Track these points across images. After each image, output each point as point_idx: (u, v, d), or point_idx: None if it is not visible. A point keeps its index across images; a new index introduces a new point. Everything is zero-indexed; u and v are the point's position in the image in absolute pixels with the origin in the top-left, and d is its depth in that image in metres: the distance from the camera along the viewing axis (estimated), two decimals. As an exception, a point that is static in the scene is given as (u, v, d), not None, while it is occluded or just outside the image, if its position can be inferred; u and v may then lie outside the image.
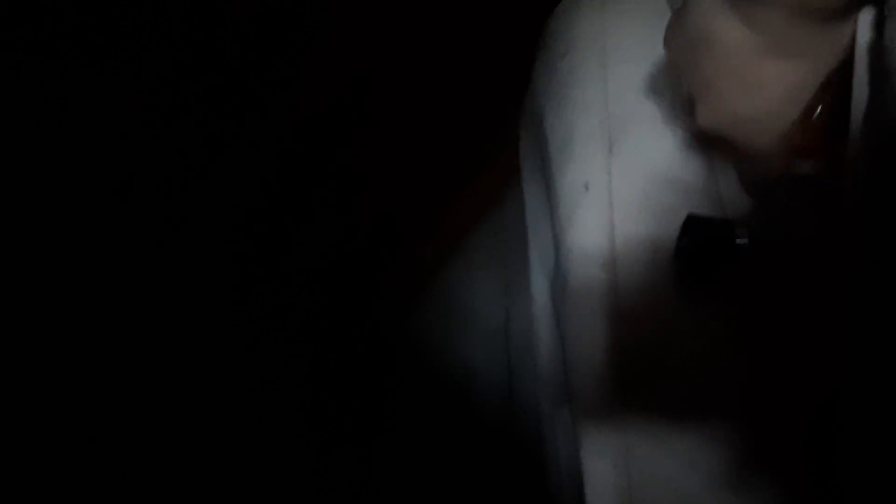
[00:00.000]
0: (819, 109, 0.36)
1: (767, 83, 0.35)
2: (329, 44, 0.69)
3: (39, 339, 0.64)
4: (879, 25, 0.32)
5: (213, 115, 0.68)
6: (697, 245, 0.40)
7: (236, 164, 0.69)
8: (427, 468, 0.61)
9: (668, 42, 0.39)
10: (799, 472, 0.38)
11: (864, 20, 0.34)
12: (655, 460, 0.40)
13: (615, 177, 0.44)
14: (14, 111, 0.64)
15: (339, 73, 0.69)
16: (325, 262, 0.70)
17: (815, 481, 0.37)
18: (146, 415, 0.64)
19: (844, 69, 0.34)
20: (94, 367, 0.64)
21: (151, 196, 0.68)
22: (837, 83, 0.35)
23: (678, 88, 0.44)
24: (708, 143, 0.42)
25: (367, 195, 0.70)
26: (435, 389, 0.63)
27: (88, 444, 0.62)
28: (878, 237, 0.32)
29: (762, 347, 0.39)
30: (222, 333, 0.67)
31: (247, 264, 0.69)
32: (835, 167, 0.35)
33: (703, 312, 0.41)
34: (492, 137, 0.60)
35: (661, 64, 0.45)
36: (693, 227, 0.40)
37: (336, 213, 0.70)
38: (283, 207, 0.70)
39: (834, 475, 0.35)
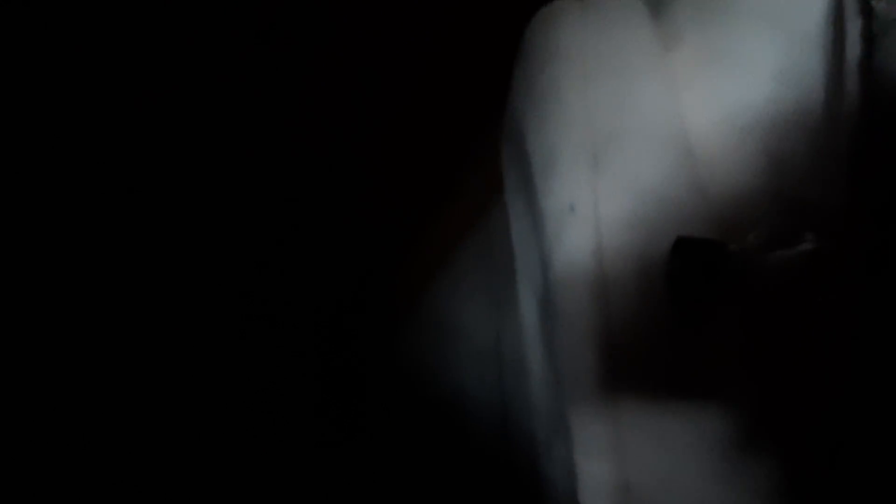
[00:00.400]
0: None
1: None
2: (322, 50, 0.68)
3: (44, 338, 0.64)
4: (868, 40, 0.32)
5: (213, 116, 0.68)
6: (689, 269, 0.39)
7: (239, 166, 0.68)
8: (417, 490, 0.61)
9: None
10: (794, 467, 0.38)
11: (853, 30, 0.33)
12: (654, 490, 0.40)
13: (602, 196, 0.43)
14: (17, 113, 0.64)
15: (331, 80, 0.68)
16: (321, 266, 0.70)
17: (812, 476, 0.37)
18: (147, 415, 0.64)
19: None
20: (99, 367, 0.64)
21: (152, 196, 0.68)
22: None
23: (664, 99, 0.44)
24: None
25: (355, 205, 0.70)
26: (426, 410, 0.62)
27: (93, 443, 0.63)
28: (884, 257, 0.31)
29: (760, 365, 0.39)
30: (225, 333, 0.67)
31: (249, 265, 0.69)
32: (830, 183, 0.35)
33: (697, 335, 0.40)
34: (475, 149, 0.59)
35: (645, 75, 0.45)
36: (684, 249, 0.39)
37: (328, 219, 0.70)
38: (280, 208, 0.69)
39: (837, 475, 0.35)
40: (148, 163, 0.67)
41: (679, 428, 0.40)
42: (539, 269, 0.46)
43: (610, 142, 0.43)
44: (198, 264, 0.68)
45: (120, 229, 0.67)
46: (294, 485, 0.66)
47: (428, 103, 0.66)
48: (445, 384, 0.61)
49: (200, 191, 0.68)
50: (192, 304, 0.67)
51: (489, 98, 0.55)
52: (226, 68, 0.67)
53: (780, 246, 0.37)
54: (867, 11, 0.31)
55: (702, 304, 0.40)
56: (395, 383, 0.65)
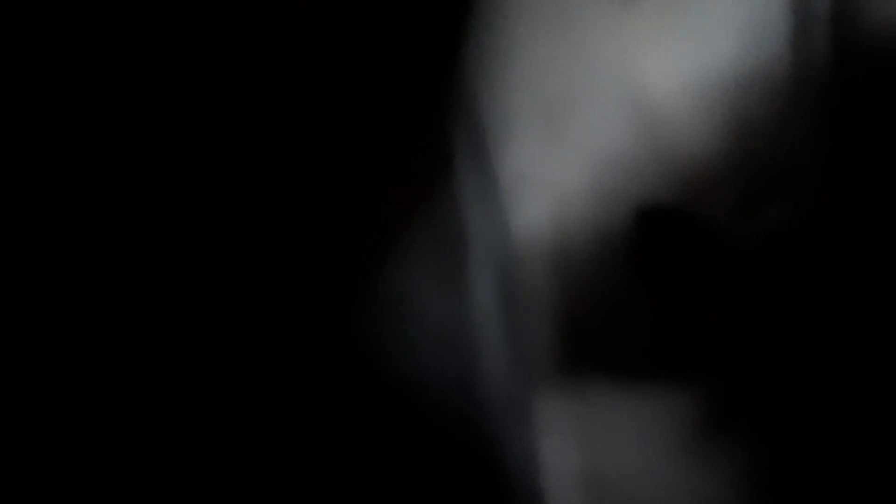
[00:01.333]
0: None
1: None
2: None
3: (44, 338, 0.63)
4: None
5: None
6: (653, 239, 0.39)
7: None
8: (376, 474, 0.60)
9: None
10: (766, 450, 0.38)
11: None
12: (620, 475, 0.40)
13: (559, 163, 0.43)
14: (19, 109, 0.63)
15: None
16: (267, 252, 0.69)
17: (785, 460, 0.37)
18: (143, 415, 0.64)
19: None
20: (102, 368, 0.64)
21: (146, 197, 0.67)
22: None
23: (623, 59, 0.43)
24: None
25: (297, 184, 0.69)
26: (378, 395, 0.62)
27: (93, 443, 0.63)
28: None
29: (732, 341, 0.39)
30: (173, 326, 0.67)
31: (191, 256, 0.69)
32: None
33: (664, 309, 0.40)
34: (422, 116, 0.58)
35: (602, 33, 0.44)
36: (648, 219, 0.39)
37: (271, 202, 0.69)
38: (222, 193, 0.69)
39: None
40: (142, 162, 0.66)
41: (647, 409, 0.40)
42: (495, 244, 0.45)
43: (566, 105, 0.43)
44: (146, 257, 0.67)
45: (118, 228, 0.67)
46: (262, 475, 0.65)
47: (369, 66, 0.65)
48: (397, 368, 0.60)
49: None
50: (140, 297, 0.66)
51: (437, 61, 0.54)
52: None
53: (749, 213, 0.37)
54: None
55: (668, 274, 0.40)
56: (346, 368, 0.65)
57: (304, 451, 0.66)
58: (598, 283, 0.41)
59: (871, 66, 0.29)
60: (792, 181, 0.34)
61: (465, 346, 0.56)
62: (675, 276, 0.40)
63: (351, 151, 0.67)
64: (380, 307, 0.63)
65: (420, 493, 0.58)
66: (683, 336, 0.40)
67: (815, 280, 0.32)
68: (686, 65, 0.42)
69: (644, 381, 0.40)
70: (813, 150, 0.33)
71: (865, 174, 0.30)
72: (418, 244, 0.61)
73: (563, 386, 0.41)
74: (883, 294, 0.30)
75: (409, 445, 0.59)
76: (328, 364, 0.66)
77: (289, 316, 0.68)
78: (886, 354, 0.30)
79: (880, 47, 0.29)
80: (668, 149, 0.42)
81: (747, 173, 0.38)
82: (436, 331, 0.59)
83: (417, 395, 0.59)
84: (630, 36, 0.44)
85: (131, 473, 0.63)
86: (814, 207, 0.32)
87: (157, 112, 0.68)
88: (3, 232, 0.62)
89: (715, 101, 0.40)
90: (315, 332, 0.68)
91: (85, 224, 0.66)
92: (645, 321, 0.40)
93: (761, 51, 0.38)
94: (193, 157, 0.69)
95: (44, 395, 0.63)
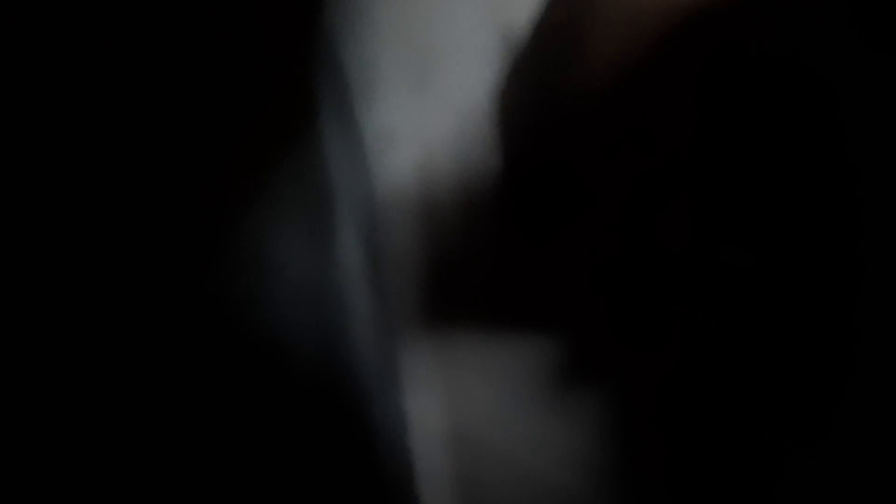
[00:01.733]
0: None
1: None
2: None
3: (44, 339, 0.60)
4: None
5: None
6: (519, 194, 0.39)
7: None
8: (238, 435, 0.59)
9: None
10: (627, 399, 0.38)
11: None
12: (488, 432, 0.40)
13: (427, 117, 0.42)
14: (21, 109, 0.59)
15: None
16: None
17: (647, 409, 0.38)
18: (142, 416, 0.61)
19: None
20: (102, 368, 0.61)
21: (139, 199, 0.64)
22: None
23: (486, 12, 0.43)
24: None
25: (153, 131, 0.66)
26: (239, 356, 0.61)
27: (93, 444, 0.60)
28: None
29: (594, 292, 0.39)
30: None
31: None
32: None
33: (528, 261, 0.40)
34: (284, 75, 0.57)
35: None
36: (513, 172, 0.39)
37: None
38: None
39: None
40: (135, 166, 0.64)
41: (512, 363, 0.40)
42: (360, 198, 0.45)
43: (432, 56, 0.43)
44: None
45: (115, 228, 0.64)
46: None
47: (230, 19, 0.63)
48: (259, 326, 0.59)
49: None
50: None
51: (298, 12, 0.52)
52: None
53: (614, 161, 0.37)
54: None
55: (534, 227, 0.40)
56: (206, 327, 0.63)
57: (164, 411, 0.64)
58: (463, 236, 0.41)
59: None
60: (659, 130, 0.35)
61: (330, 303, 0.56)
62: (540, 229, 0.40)
63: (212, 105, 0.65)
64: (242, 263, 0.61)
65: (285, 454, 0.57)
66: (548, 289, 0.40)
67: (677, 234, 0.33)
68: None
69: (509, 334, 0.40)
70: (678, 100, 0.33)
71: (728, 119, 0.30)
72: (282, 199, 0.59)
73: (430, 341, 0.41)
74: (744, 248, 0.31)
75: (273, 405, 0.58)
76: (186, 322, 0.64)
77: (145, 270, 0.66)
78: (751, 312, 0.31)
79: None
80: (538, 98, 0.42)
81: (613, 123, 0.38)
82: (300, 287, 0.58)
83: (281, 354, 0.58)
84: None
85: None
86: (676, 155, 0.32)
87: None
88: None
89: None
90: (173, 288, 0.66)
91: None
92: (510, 274, 0.40)
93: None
94: (43, 105, 0.66)
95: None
